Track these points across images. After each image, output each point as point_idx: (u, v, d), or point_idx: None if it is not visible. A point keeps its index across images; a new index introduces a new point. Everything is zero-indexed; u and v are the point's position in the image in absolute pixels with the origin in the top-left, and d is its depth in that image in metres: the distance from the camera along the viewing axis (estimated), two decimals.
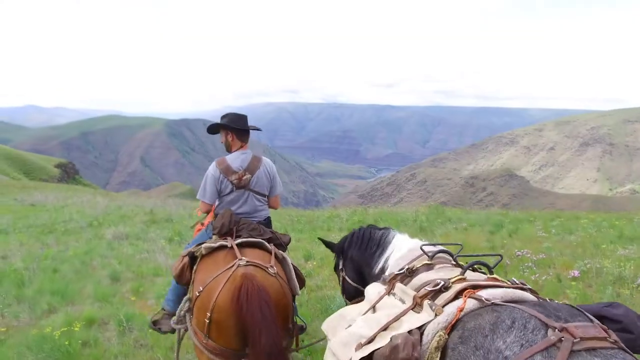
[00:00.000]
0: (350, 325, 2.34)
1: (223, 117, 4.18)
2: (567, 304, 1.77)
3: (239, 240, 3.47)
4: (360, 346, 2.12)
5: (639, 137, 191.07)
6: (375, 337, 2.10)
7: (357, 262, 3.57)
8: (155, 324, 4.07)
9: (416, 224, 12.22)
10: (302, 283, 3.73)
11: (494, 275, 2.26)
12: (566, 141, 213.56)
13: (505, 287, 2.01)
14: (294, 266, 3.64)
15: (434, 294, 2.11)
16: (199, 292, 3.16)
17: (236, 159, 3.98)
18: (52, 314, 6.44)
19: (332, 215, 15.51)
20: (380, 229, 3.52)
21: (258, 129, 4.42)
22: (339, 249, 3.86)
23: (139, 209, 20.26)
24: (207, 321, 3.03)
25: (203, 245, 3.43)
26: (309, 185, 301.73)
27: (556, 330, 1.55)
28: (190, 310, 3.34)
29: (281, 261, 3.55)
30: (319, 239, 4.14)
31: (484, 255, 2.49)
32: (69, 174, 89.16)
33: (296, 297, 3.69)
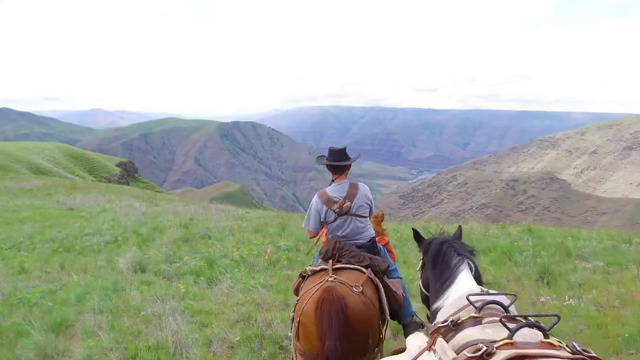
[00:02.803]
0: None
1: (329, 152, 4.34)
2: None
3: (338, 265, 3.70)
4: None
5: None
6: None
7: (428, 277, 3.28)
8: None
9: (531, 261, 8.39)
10: (399, 306, 3.90)
11: (550, 340, 1.81)
12: (609, 145, 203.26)
13: (561, 357, 1.64)
14: (392, 291, 3.80)
15: None
16: (296, 302, 3.60)
17: (335, 190, 4.18)
18: None
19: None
20: (458, 254, 3.00)
21: (353, 161, 4.36)
22: (422, 252, 3.48)
23: (176, 219, 17.13)
24: (297, 325, 3.37)
25: (308, 268, 3.83)
26: None
27: None
28: (292, 319, 3.67)
29: (376, 286, 3.69)
30: (413, 229, 3.73)
31: (538, 316, 2.07)
32: (128, 172, 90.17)
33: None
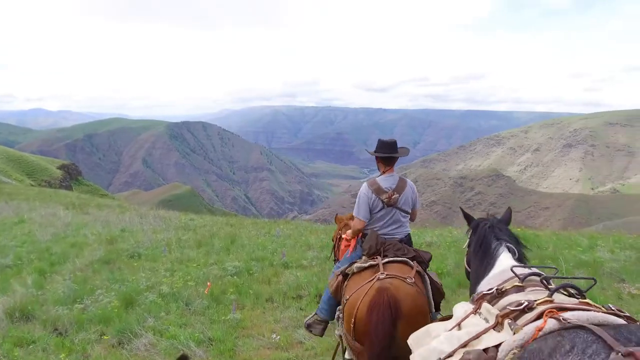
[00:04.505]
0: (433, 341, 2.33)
1: (381, 143, 4.29)
2: None
3: (386, 260, 3.71)
4: None
5: (619, 139, 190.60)
6: (454, 353, 2.08)
7: (470, 256, 3.32)
8: (309, 326, 4.35)
9: None
10: (441, 296, 3.93)
11: (587, 300, 2.05)
12: (550, 142, 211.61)
13: (594, 311, 1.84)
14: (434, 282, 3.84)
15: (517, 314, 2.01)
16: (345, 300, 3.57)
17: (385, 181, 4.16)
18: None
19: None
20: (496, 239, 3.08)
21: (404, 154, 4.36)
22: (471, 230, 3.43)
23: (104, 231, 14.36)
24: (352, 326, 3.38)
25: (355, 265, 3.78)
26: (305, 186, 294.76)
27: (619, 354, 1.44)
28: (340, 318, 3.73)
29: (422, 277, 3.72)
30: (461, 208, 3.80)
31: (576, 278, 2.35)
32: (71, 175, 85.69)
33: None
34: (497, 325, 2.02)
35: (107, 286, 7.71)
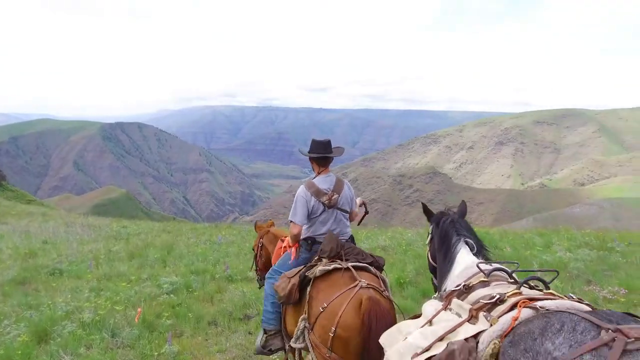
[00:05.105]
0: (406, 338, 2.35)
1: (315, 144, 4.17)
2: (622, 312, 1.75)
3: (351, 264, 3.53)
4: (415, 355, 2.15)
5: (546, 137, 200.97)
6: (431, 347, 2.12)
7: (434, 251, 3.35)
8: (264, 348, 4.06)
9: None
10: None
11: (551, 291, 2.18)
12: (483, 140, 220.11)
13: (561, 299, 1.98)
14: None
15: (490, 306, 2.11)
16: (322, 308, 3.25)
17: (323, 182, 4.04)
18: None
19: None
20: (456, 234, 3.13)
21: (339, 154, 4.23)
22: (432, 225, 3.44)
23: (23, 244, 12.84)
24: (331, 335, 3.13)
25: (318, 268, 3.52)
26: (245, 187, 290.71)
27: (609, 330, 1.53)
28: (306, 328, 3.41)
29: (384, 283, 3.61)
30: (422, 203, 3.69)
31: (540, 271, 2.46)
32: None
33: None
34: (472, 319, 2.10)
35: (18, 314, 6.53)
